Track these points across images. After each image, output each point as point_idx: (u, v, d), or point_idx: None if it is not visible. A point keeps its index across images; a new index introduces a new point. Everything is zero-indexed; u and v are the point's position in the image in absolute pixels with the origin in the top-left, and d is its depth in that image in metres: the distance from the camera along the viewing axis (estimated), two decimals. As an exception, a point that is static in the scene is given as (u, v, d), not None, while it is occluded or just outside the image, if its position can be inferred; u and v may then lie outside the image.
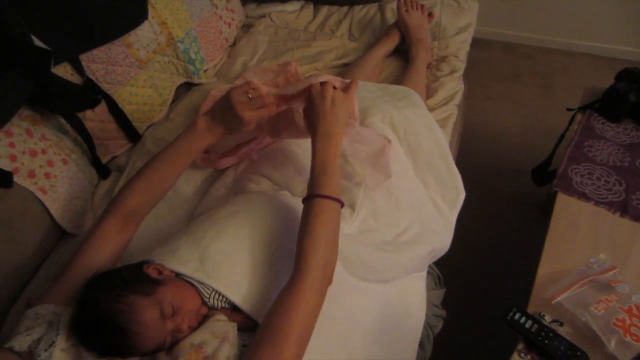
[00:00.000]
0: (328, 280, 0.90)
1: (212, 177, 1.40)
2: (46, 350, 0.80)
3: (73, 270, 0.95)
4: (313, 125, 1.04)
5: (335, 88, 1.06)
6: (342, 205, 0.97)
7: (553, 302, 1.07)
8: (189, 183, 1.39)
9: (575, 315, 1.04)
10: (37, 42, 1.19)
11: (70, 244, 1.29)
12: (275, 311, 0.83)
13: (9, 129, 1.16)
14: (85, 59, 1.39)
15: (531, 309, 1.08)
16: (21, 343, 0.82)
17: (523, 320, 1.02)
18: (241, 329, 0.89)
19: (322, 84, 1.06)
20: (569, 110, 1.68)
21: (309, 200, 0.95)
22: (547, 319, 1.04)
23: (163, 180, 1.06)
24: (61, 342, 0.81)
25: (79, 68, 1.36)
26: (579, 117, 1.63)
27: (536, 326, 1.01)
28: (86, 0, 1.35)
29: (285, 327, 0.81)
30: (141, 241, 1.12)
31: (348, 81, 1.10)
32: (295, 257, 0.90)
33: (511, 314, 1.04)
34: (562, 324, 1.03)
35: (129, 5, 1.46)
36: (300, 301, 0.83)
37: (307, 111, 1.07)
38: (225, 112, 1.04)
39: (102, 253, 0.98)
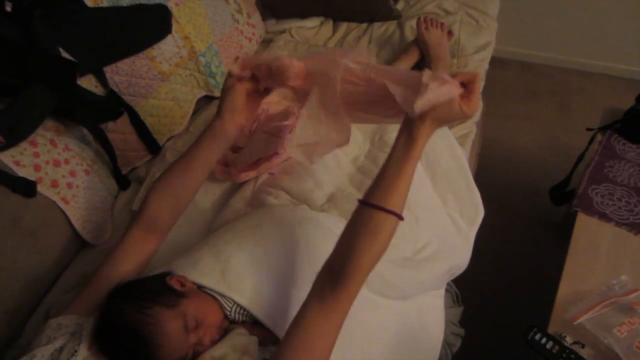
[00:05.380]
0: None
1: (230, 190, 1.41)
2: (68, 359, 0.80)
3: (96, 281, 0.95)
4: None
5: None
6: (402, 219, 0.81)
7: (574, 323, 1.06)
8: (206, 195, 1.39)
9: (597, 337, 1.03)
10: (64, 54, 1.22)
11: (89, 255, 1.30)
12: (302, 328, 0.78)
13: (34, 138, 1.17)
14: (109, 70, 1.40)
15: (551, 329, 1.07)
16: (43, 352, 0.82)
17: (544, 340, 1.01)
18: (261, 343, 0.88)
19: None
20: (589, 130, 1.67)
21: (372, 208, 0.78)
22: (568, 340, 1.03)
23: (181, 182, 1.00)
24: (83, 351, 0.82)
25: (102, 80, 1.38)
26: (599, 137, 1.62)
27: (557, 347, 1.00)
28: (112, 13, 1.37)
29: (315, 345, 0.77)
30: (159, 252, 1.12)
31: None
32: (334, 267, 0.79)
33: (531, 333, 1.03)
34: (583, 346, 1.02)
35: (154, 19, 1.48)
36: (336, 320, 0.79)
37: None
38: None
39: (124, 264, 0.97)
